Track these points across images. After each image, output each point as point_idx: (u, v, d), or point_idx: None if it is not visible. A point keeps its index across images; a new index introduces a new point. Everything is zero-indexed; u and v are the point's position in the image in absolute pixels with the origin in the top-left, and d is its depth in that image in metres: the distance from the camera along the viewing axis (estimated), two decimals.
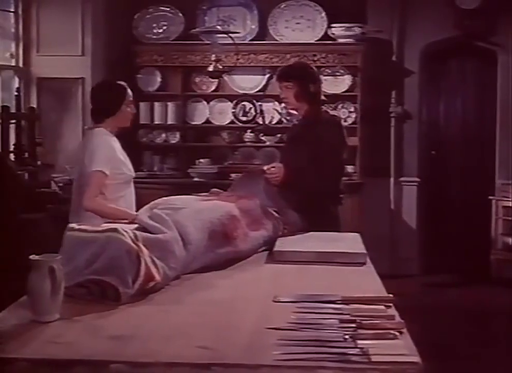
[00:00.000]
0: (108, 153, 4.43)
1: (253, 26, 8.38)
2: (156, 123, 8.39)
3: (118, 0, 8.10)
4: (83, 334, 2.02)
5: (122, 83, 4.73)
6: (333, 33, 8.21)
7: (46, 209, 5.67)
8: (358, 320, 2.08)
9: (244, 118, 8.48)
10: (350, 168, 8.21)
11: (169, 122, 8.41)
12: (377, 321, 2.10)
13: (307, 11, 8.36)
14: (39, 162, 6.58)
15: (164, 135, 8.46)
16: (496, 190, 8.44)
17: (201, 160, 8.31)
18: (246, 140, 8.44)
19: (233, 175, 8.06)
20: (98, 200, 4.32)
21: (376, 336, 1.98)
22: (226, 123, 8.53)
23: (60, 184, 6.38)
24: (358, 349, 1.87)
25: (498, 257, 8.20)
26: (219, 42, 6.45)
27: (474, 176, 8.67)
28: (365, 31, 8.20)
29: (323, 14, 8.26)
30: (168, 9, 8.35)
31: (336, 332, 2.03)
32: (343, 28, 8.14)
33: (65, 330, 2.05)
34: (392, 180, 8.50)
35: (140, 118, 8.23)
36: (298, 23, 8.40)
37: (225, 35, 6.50)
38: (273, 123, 8.43)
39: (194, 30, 6.81)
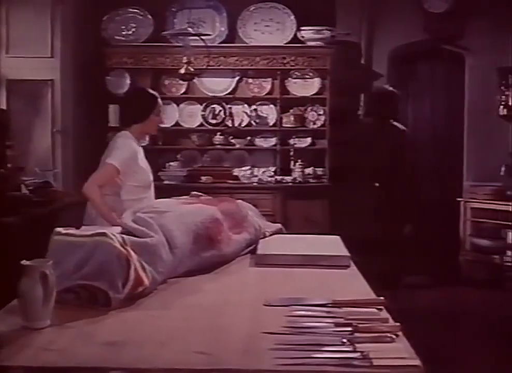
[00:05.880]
0: (128, 153, 4.56)
1: (222, 29, 8.36)
2: None
3: (88, 1, 8.04)
4: (77, 341, 1.99)
5: (154, 92, 4.91)
6: (302, 36, 8.21)
7: (17, 213, 5.59)
8: (354, 324, 2.08)
9: (213, 121, 8.46)
10: (319, 171, 8.24)
11: None
12: (373, 325, 2.10)
13: (276, 14, 8.36)
14: (9, 165, 6.49)
15: None
16: (464, 192, 8.52)
17: (171, 163, 8.28)
18: (216, 142, 8.41)
19: (203, 178, 8.06)
20: (97, 189, 4.40)
21: (374, 339, 1.98)
22: (196, 125, 8.49)
23: (31, 188, 6.30)
24: (359, 353, 1.86)
25: (467, 258, 8.28)
26: (190, 44, 6.44)
27: (443, 178, 8.73)
28: (334, 34, 8.22)
29: (292, 17, 8.27)
30: (137, 11, 8.29)
31: (333, 336, 2.02)
32: (313, 31, 8.15)
33: (57, 337, 2.02)
34: None
35: (110, 121, 8.19)
36: (267, 26, 8.39)
37: (196, 37, 6.47)
38: (243, 125, 8.42)
39: (165, 32, 6.78)
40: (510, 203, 7.86)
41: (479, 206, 8.20)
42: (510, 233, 7.90)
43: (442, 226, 8.59)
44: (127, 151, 4.56)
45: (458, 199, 8.39)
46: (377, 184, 6.82)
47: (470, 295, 7.46)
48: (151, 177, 4.80)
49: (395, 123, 6.83)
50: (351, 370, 1.80)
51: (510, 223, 7.87)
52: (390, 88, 6.98)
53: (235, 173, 8.17)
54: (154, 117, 4.80)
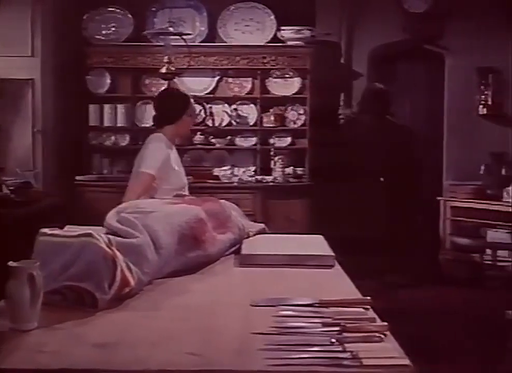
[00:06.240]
0: (161, 159, 4.59)
1: (203, 28, 8.36)
2: (105, 125, 8.28)
3: (68, 1, 8.00)
4: (67, 343, 1.97)
5: (186, 93, 5.04)
6: (283, 36, 8.23)
7: None
8: (342, 324, 2.08)
9: None
10: (299, 170, 8.25)
11: (119, 124, 8.31)
12: (361, 324, 2.10)
13: (256, 14, 8.37)
14: None
15: (113, 137, 8.36)
16: (444, 191, 8.57)
17: None
18: (196, 142, 8.40)
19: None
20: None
21: (362, 339, 1.99)
22: None
23: (12, 188, 6.28)
24: (348, 353, 1.87)
25: (447, 257, 8.32)
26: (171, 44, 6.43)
27: (423, 177, 8.76)
28: (314, 34, 8.24)
29: (272, 16, 8.28)
30: (117, 10, 8.27)
31: (321, 336, 2.03)
32: (293, 30, 8.17)
33: (47, 339, 2.00)
34: None
35: (90, 121, 8.17)
36: (247, 25, 8.40)
37: (176, 37, 6.46)
38: (223, 125, 8.42)
39: (146, 31, 6.77)
40: (490, 202, 7.93)
41: (458, 205, 8.25)
42: (490, 231, 7.96)
43: (422, 225, 8.62)
44: (159, 156, 4.59)
45: (438, 198, 8.44)
46: (382, 179, 6.96)
47: (451, 294, 7.49)
48: (185, 179, 4.83)
49: (392, 119, 7.00)
50: (342, 370, 1.80)
51: (489, 222, 7.93)
52: (382, 86, 7.11)
53: (215, 173, 8.16)
54: (187, 118, 4.82)
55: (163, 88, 5.65)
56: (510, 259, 7.62)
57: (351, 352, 1.88)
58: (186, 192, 4.77)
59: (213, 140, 8.41)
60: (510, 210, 7.55)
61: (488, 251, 7.92)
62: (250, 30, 8.39)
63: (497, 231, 7.90)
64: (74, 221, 4.83)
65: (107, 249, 2.45)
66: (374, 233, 8.58)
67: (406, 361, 1.84)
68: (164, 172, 4.59)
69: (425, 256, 8.37)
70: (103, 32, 8.24)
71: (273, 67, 8.29)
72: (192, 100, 4.92)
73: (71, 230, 2.80)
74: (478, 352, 5.64)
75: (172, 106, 4.82)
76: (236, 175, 8.13)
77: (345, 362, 1.83)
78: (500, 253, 7.79)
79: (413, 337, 5.81)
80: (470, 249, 8.07)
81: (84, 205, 7.51)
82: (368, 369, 1.80)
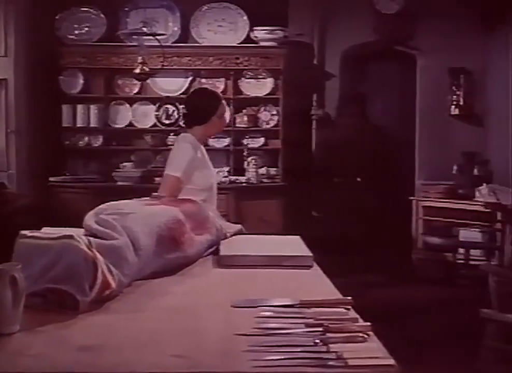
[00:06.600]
0: (187, 161, 4.51)
1: (175, 28, 8.35)
2: (78, 125, 8.25)
3: (41, 0, 7.95)
4: (51, 346, 1.95)
5: (219, 93, 4.87)
6: (256, 36, 8.24)
7: None
8: (325, 324, 2.09)
9: (167, 121, 8.44)
10: (272, 170, 8.27)
11: (92, 125, 8.28)
12: (344, 325, 2.11)
13: (229, 14, 8.38)
14: None
15: (86, 138, 8.33)
16: (416, 190, 8.62)
17: (125, 163, 8.23)
18: (170, 143, 8.36)
19: (157, 178, 8.00)
20: None
21: (346, 339, 1.99)
22: (149, 126, 8.46)
23: None
24: (333, 354, 1.87)
25: (419, 257, 8.37)
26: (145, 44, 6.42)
27: (395, 177, 8.82)
28: (287, 34, 8.26)
29: (245, 17, 8.28)
30: (90, 10, 8.23)
31: (305, 337, 2.03)
32: (266, 31, 8.19)
33: (31, 342, 1.98)
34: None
35: (63, 121, 8.12)
36: (220, 26, 8.40)
37: (150, 37, 6.45)
38: None
39: (120, 31, 6.75)
40: (462, 202, 7.99)
41: (431, 205, 8.30)
42: (462, 231, 8.02)
43: (394, 225, 8.67)
44: (186, 158, 4.51)
45: (411, 197, 8.49)
46: (359, 179, 7.01)
47: (424, 293, 7.53)
48: (213, 179, 4.75)
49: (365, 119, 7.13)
50: (327, 371, 1.80)
51: (462, 221, 7.98)
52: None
53: None
54: (216, 119, 4.69)
55: (196, 87, 5.46)
56: (482, 258, 7.68)
57: (336, 352, 1.88)
58: (215, 193, 4.74)
59: None
60: (482, 209, 7.62)
61: (461, 250, 7.98)
62: (222, 30, 8.40)
63: (469, 230, 7.96)
64: (48, 222, 4.80)
65: (88, 251, 2.43)
66: (346, 233, 8.63)
67: (391, 361, 1.84)
68: (190, 173, 4.54)
69: (397, 255, 8.42)
70: (76, 32, 8.22)
71: (246, 68, 8.30)
72: (223, 102, 4.76)
73: (51, 232, 2.78)
74: (453, 351, 5.68)
75: (202, 107, 4.69)
76: None
77: (330, 362, 1.83)
78: (472, 252, 7.85)
79: (387, 336, 5.86)
80: (443, 248, 8.14)
81: (58, 207, 7.47)
82: (354, 370, 1.81)
